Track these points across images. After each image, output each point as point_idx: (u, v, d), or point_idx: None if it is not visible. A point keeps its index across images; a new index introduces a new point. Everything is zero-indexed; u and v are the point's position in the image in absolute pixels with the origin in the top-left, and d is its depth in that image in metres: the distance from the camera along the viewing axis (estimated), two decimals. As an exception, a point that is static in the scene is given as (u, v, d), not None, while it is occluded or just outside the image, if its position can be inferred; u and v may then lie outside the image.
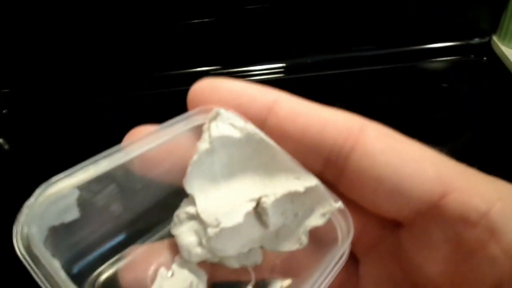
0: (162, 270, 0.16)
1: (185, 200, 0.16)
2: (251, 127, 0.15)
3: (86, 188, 0.14)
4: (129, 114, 0.47)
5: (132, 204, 0.16)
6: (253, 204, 0.15)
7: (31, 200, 0.14)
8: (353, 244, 0.15)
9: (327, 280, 0.14)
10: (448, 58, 0.52)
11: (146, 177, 0.16)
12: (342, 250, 0.14)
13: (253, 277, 0.17)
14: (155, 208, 0.16)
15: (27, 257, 0.12)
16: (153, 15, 0.46)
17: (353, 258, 0.17)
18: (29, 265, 0.12)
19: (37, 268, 0.12)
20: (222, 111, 0.15)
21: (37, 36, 0.45)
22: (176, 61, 0.49)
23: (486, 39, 0.53)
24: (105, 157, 0.14)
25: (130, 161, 0.15)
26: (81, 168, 0.14)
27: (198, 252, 0.15)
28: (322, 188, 0.15)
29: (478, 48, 0.53)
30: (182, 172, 0.15)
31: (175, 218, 0.16)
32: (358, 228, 0.15)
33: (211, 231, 0.15)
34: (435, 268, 0.14)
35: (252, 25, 0.49)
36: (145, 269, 0.16)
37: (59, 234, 0.14)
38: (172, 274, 0.16)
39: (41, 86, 0.46)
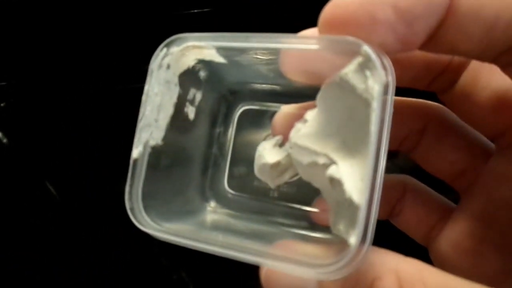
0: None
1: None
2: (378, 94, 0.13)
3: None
4: (128, 106, 0.46)
5: None
6: (325, 163, 0.15)
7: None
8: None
9: None
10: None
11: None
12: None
13: None
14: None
15: None
16: (151, 5, 0.45)
17: None
18: None
19: None
20: (373, 58, 0.13)
21: (34, 28, 0.44)
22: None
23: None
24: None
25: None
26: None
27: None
28: None
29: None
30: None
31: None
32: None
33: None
34: None
35: (251, 15, 0.48)
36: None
37: None
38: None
39: (39, 79, 0.46)
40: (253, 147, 0.20)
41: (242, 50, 0.16)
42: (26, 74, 0.45)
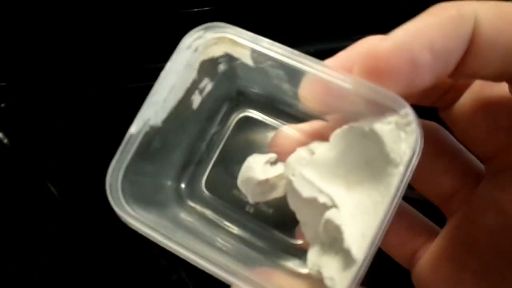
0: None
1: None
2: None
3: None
4: (128, 106, 0.46)
5: None
6: (325, 203, 0.15)
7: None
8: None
9: None
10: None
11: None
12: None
13: None
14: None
15: None
16: (151, 3, 0.45)
17: None
18: None
19: None
20: (414, 126, 0.13)
21: (34, 29, 0.44)
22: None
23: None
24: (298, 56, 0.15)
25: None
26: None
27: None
28: None
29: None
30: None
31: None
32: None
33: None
34: None
35: (253, 14, 0.48)
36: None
37: None
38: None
39: (38, 79, 0.45)
40: (242, 155, 0.19)
41: (277, 63, 0.15)
42: (26, 74, 0.45)
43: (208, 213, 0.21)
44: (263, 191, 0.18)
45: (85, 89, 0.46)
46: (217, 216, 0.21)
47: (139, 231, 0.14)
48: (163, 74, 0.15)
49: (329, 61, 0.15)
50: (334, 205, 0.15)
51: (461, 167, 0.17)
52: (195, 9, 0.47)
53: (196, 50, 0.15)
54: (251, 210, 0.21)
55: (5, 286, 0.37)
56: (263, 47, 0.15)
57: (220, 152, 0.22)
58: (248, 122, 0.22)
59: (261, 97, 0.22)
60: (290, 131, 0.19)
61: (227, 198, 0.21)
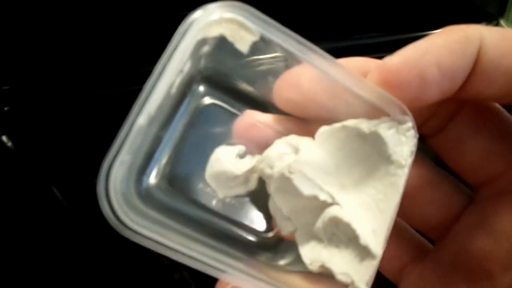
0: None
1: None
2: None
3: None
4: (131, 108, 0.46)
5: None
6: (326, 200, 0.15)
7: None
8: None
9: None
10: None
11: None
12: None
13: None
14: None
15: None
16: (151, 7, 0.46)
17: None
18: None
19: None
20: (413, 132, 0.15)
21: (37, 32, 0.45)
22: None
23: (493, 23, 0.51)
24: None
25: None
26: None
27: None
28: None
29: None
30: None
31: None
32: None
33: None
34: None
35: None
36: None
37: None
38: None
39: (42, 82, 0.46)
40: (209, 146, 0.18)
41: (287, 54, 0.15)
42: (30, 77, 0.46)
43: (171, 209, 0.19)
44: (234, 186, 0.18)
45: (90, 92, 0.47)
46: (181, 212, 0.19)
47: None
48: (169, 53, 0.14)
49: (343, 61, 0.16)
50: (335, 203, 0.15)
51: (449, 193, 0.18)
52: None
53: (201, 29, 0.14)
54: (219, 205, 0.19)
55: (5, 286, 0.37)
56: (278, 38, 0.14)
57: (184, 143, 0.19)
58: (216, 111, 0.20)
59: (239, 88, 0.20)
60: (254, 117, 0.18)
61: (192, 193, 0.19)
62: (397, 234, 0.18)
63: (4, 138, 0.44)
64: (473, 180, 0.17)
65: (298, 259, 0.16)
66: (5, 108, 0.45)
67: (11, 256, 0.37)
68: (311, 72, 0.15)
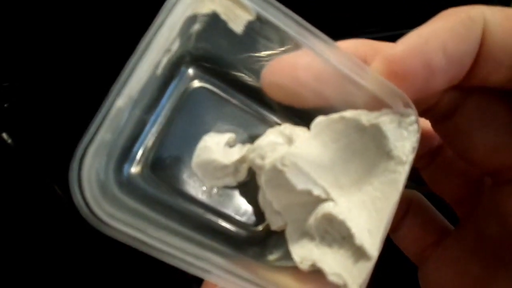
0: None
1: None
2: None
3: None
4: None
5: None
6: (319, 195, 0.14)
7: None
8: None
9: None
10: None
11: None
12: None
13: None
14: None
15: None
16: (151, 7, 0.45)
17: None
18: None
19: None
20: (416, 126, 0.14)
21: (37, 28, 0.45)
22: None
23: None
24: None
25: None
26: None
27: None
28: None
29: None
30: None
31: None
32: None
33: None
34: None
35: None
36: None
37: None
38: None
39: (42, 79, 0.46)
40: (197, 133, 0.17)
41: (285, 36, 0.14)
42: (30, 74, 0.46)
43: (154, 199, 0.17)
44: (222, 176, 0.17)
45: (90, 89, 0.46)
46: (165, 203, 0.18)
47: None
48: (154, 29, 0.13)
49: (342, 44, 0.15)
50: (330, 199, 0.14)
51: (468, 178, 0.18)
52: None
53: (191, 4, 0.13)
54: (206, 196, 0.18)
55: (5, 286, 0.36)
56: (276, 18, 0.13)
57: (170, 128, 0.18)
58: (206, 96, 0.18)
59: (229, 70, 0.18)
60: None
61: (177, 183, 0.18)
62: (422, 216, 0.18)
63: (4, 135, 0.44)
64: (481, 170, 0.16)
65: (288, 254, 0.15)
66: (5, 105, 0.45)
67: (12, 253, 0.36)
68: (308, 57, 0.14)
